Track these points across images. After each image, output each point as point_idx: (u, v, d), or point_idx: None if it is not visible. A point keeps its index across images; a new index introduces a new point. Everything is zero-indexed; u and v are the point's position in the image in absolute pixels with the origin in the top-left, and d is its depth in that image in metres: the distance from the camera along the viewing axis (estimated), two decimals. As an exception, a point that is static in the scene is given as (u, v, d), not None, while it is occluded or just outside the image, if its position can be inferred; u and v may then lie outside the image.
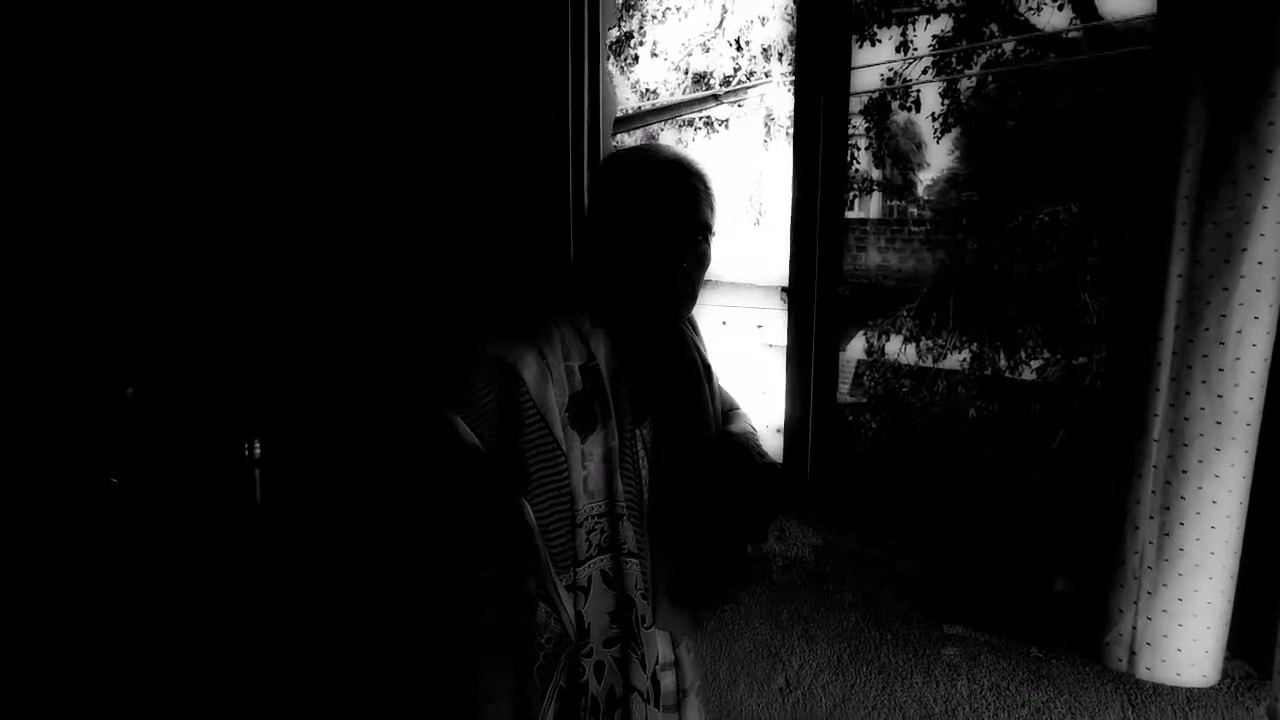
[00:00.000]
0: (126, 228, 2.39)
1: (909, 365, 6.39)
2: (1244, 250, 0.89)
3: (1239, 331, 0.90)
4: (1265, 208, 0.88)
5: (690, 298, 1.23)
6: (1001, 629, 1.33)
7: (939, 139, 6.57)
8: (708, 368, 1.37)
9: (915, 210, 7.83)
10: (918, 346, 6.29)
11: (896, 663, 1.45)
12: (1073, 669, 1.26)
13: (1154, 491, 0.96)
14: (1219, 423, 0.92)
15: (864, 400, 6.62)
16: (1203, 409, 0.92)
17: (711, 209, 1.19)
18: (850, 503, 1.51)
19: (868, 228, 7.46)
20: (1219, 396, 0.91)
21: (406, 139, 2.19)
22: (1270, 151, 0.87)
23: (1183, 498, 0.94)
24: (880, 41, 6.02)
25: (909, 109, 6.77)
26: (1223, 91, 0.90)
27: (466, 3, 2.07)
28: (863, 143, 7.40)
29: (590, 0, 1.96)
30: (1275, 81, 0.87)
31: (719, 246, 1.23)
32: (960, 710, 1.38)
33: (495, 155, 2.03)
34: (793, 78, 1.57)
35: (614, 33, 5.42)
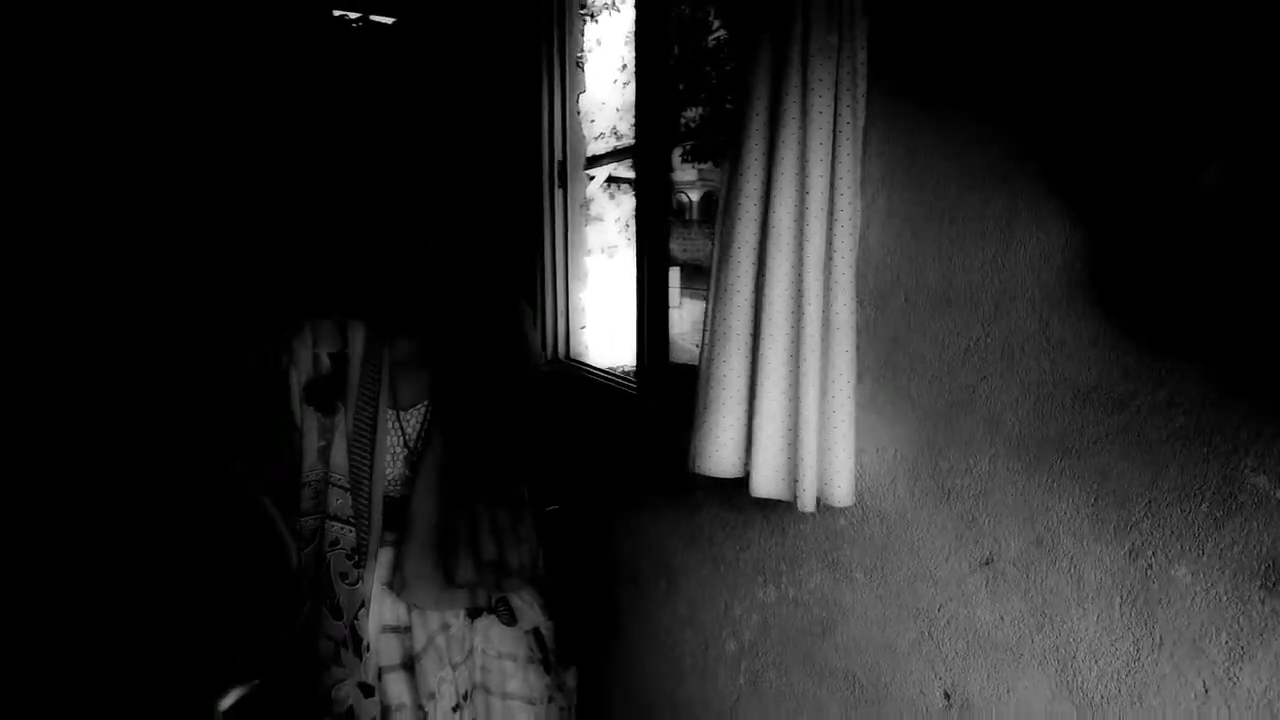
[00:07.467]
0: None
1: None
2: (736, 236, 1.72)
3: (737, 276, 1.72)
4: (739, 220, 1.70)
5: (396, 292, 1.51)
6: (718, 478, 2.14)
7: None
8: (490, 360, 1.73)
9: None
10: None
11: (670, 514, 2.29)
12: (753, 504, 2.04)
13: (706, 364, 1.78)
14: (731, 325, 1.74)
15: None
16: (724, 318, 1.74)
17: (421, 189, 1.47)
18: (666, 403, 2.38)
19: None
20: (729, 311, 1.73)
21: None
22: (734, 197, 1.69)
23: (712, 371, 1.76)
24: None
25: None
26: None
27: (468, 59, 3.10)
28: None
29: (561, 54, 2.91)
30: (745, 166, 1.68)
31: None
32: (701, 534, 2.20)
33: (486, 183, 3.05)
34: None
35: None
